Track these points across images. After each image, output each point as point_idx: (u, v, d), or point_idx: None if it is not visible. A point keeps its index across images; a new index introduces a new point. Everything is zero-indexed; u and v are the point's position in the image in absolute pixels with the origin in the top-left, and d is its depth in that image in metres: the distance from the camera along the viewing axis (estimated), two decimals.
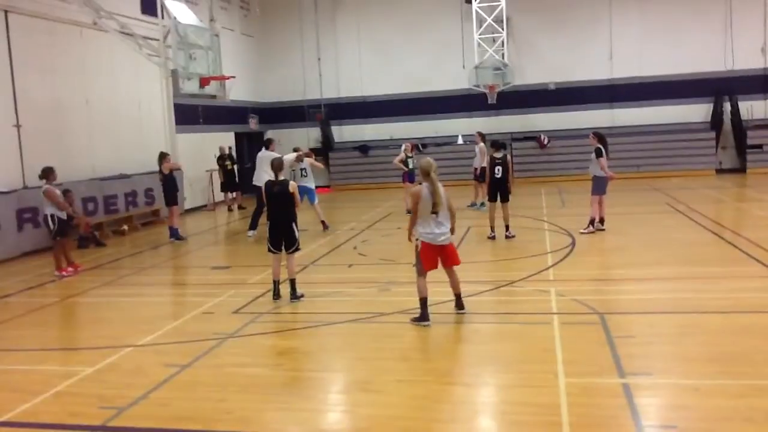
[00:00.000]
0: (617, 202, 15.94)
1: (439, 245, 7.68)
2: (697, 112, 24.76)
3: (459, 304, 8.01)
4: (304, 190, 14.16)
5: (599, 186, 13.09)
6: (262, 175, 13.35)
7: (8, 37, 14.53)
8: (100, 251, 14.49)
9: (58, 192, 12.04)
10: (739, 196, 19.03)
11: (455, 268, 7.94)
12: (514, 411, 5.42)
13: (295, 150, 15.75)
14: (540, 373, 6.07)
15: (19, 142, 14.72)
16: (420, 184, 7.79)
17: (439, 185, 7.66)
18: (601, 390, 5.69)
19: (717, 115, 24.32)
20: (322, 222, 15.24)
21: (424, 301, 7.64)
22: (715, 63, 24.27)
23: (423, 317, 7.62)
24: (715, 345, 6.63)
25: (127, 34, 16.84)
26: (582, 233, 13.05)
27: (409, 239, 8.08)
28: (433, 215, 7.59)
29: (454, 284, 7.96)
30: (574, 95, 25.35)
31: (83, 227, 14.74)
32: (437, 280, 7.94)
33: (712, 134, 24.23)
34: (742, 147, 24.12)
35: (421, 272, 7.69)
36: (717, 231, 12.97)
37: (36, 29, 15.28)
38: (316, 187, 15.99)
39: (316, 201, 15.37)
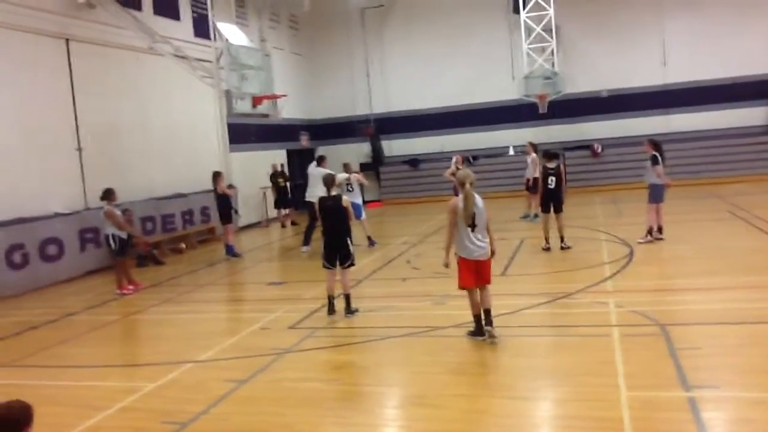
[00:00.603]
0: (675, 210, 15.55)
1: (474, 260, 7.40)
2: (755, 115, 24.02)
3: (489, 321, 7.46)
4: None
5: (656, 194, 12.82)
6: (315, 191, 13.46)
7: (69, 63, 15.09)
8: (158, 269, 14.83)
9: (118, 212, 12.39)
10: None
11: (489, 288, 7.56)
12: (575, 425, 5.33)
13: (345, 166, 15.84)
14: (600, 387, 5.95)
15: (81, 165, 15.24)
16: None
17: (477, 197, 7.38)
18: (664, 403, 5.54)
19: None
20: (368, 237, 15.23)
21: (476, 318, 7.53)
22: None
23: (477, 332, 7.54)
24: None
25: (181, 57, 17.30)
26: (640, 243, 12.77)
27: (445, 264, 7.54)
28: (469, 229, 7.34)
29: (485, 301, 7.51)
30: (627, 102, 24.92)
31: (142, 246, 15.12)
32: (492, 292, 7.83)
33: None
34: None
35: (467, 289, 7.52)
36: None
37: (94, 55, 15.83)
38: (366, 201, 16.00)
39: (363, 216, 15.34)
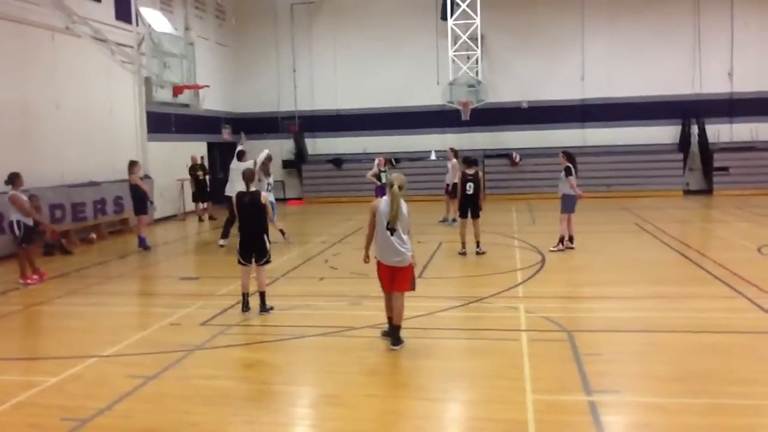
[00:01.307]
0: (586, 221, 16.12)
1: (391, 266, 7.28)
2: (666, 133, 25.23)
3: (396, 339, 7.28)
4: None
5: (568, 204, 13.24)
6: (235, 186, 13.27)
7: None
8: (66, 259, 14.26)
9: (24, 198, 11.82)
10: (706, 217, 19.37)
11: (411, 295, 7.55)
12: (482, 427, 5.44)
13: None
14: (508, 389, 6.09)
15: None
16: None
17: (402, 202, 7.19)
18: (567, 407, 5.72)
19: (685, 137, 24.83)
20: (281, 231, 15.02)
21: (390, 319, 7.49)
22: (684, 86, 24.83)
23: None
24: (681, 363, 6.72)
25: (100, 40, 16.69)
26: (552, 251, 13.17)
27: (365, 260, 7.59)
28: (388, 232, 7.20)
29: (396, 312, 7.33)
30: (546, 114, 25.67)
31: (49, 234, 14.50)
32: (408, 295, 7.89)
33: (680, 156, 24.70)
34: (708, 169, 24.63)
35: (384, 293, 7.47)
36: (683, 251, 13.18)
37: (6, 32, 15.05)
38: (288, 199, 15.90)
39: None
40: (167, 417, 5.72)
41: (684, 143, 24.82)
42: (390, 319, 7.48)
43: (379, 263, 7.39)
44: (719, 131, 24.65)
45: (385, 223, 7.20)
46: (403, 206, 7.26)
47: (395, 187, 7.16)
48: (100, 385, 6.48)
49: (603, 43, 25.27)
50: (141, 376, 6.64)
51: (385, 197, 7.33)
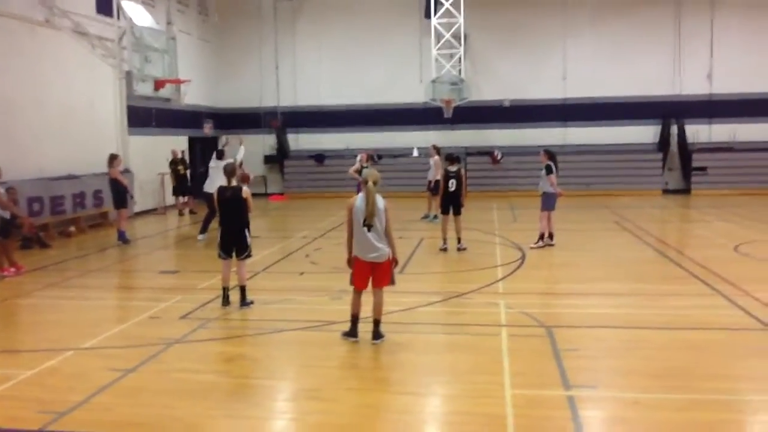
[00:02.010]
0: (567, 219, 16.24)
1: (369, 261, 7.28)
2: (646, 133, 25.48)
3: (376, 333, 7.36)
4: None
5: (549, 202, 13.33)
6: (215, 182, 13.23)
7: None
8: (44, 253, 14.12)
9: (1, 191, 11.68)
10: (684, 216, 19.59)
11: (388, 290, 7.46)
12: (461, 421, 5.47)
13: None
14: (487, 384, 6.13)
15: None
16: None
17: (378, 198, 7.19)
18: (546, 402, 5.77)
19: (664, 137, 25.09)
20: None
21: (354, 318, 7.44)
22: (664, 87, 25.07)
23: (351, 333, 7.47)
24: (658, 360, 6.79)
25: (81, 33, 16.53)
26: (532, 248, 13.25)
27: (348, 263, 7.45)
28: (365, 228, 7.16)
29: (375, 308, 7.37)
30: (528, 113, 25.80)
31: (27, 227, 14.31)
32: (389, 290, 7.90)
33: (660, 156, 24.97)
34: (687, 169, 24.91)
35: (354, 289, 7.43)
36: (662, 249, 13.32)
37: None
38: (270, 194, 15.89)
39: None
40: (147, 411, 5.69)
41: (663, 143, 25.08)
42: (354, 317, 7.43)
43: (356, 259, 7.34)
44: (698, 132, 24.93)
45: (362, 220, 7.16)
46: (379, 201, 7.24)
47: (370, 183, 7.13)
48: (78, 378, 6.43)
49: (585, 43, 25.43)
50: (120, 369, 6.60)
51: (360, 194, 7.29)
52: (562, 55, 25.68)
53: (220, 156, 15.00)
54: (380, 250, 7.24)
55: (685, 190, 24.87)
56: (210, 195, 13.22)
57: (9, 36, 15.54)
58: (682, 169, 25.19)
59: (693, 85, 24.92)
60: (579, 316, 8.67)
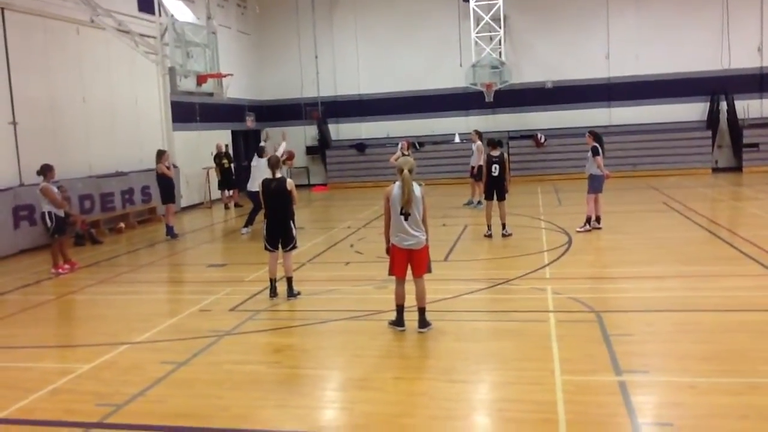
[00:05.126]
0: (613, 201, 15.97)
1: (406, 249, 7.26)
2: (694, 111, 24.82)
3: (422, 321, 7.36)
4: None
5: (595, 184, 13.11)
6: (257, 182, 13.32)
7: (5, 34, 14.49)
8: (96, 249, 14.48)
9: (55, 189, 11.98)
10: (735, 194, 19.06)
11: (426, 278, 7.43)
12: (511, 408, 5.44)
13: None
14: (537, 371, 6.08)
15: (16, 140, 14.69)
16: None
17: (415, 186, 7.20)
18: (597, 387, 5.70)
19: (713, 114, 24.39)
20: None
21: (399, 308, 7.44)
22: (712, 62, 24.34)
23: (398, 322, 7.47)
24: (711, 343, 6.65)
25: (124, 31, 16.82)
26: (578, 231, 13.07)
27: (387, 252, 7.47)
28: (402, 217, 7.18)
29: (418, 296, 7.35)
30: (571, 94, 25.38)
31: (80, 225, 14.73)
32: (434, 278, 7.88)
33: (709, 133, 24.26)
34: (738, 146, 24.17)
35: (396, 278, 7.41)
36: (713, 229, 13.00)
37: (32, 26, 15.25)
38: (313, 185, 15.98)
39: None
40: (199, 402, 5.80)
41: (712, 120, 24.39)
42: (399, 307, 7.44)
43: (394, 247, 7.35)
44: (749, 107, 24.17)
45: (399, 209, 7.18)
46: (416, 189, 7.24)
47: (405, 171, 7.14)
48: (133, 372, 6.59)
49: (628, 20, 24.86)
50: (172, 362, 6.74)
51: (397, 182, 7.29)
52: (605, 33, 25.15)
53: (261, 153, 15.10)
54: (417, 238, 7.25)
55: (737, 168, 24.16)
56: (254, 193, 13.41)
57: (54, 37, 15.93)
58: (733, 146, 24.48)
59: (742, 58, 24.13)
60: (628, 300, 8.53)
